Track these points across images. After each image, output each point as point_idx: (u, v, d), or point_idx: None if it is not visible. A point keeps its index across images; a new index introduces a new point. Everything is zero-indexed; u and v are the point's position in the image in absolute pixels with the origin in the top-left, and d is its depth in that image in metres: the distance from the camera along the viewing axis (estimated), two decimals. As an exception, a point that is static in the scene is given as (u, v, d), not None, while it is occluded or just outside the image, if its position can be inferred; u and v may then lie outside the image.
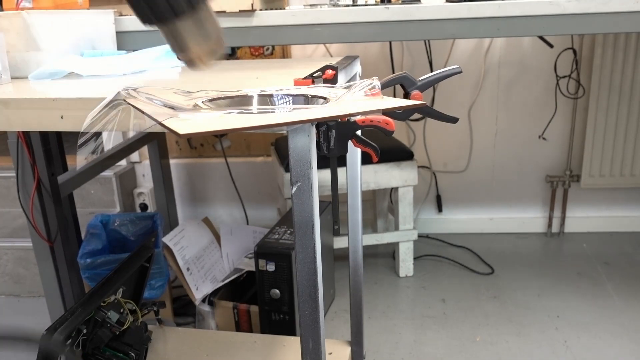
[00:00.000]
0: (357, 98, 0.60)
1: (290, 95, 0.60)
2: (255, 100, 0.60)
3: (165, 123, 0.48)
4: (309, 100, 0.61)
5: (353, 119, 0.68)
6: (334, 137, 0.66)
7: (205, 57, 0.65)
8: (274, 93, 0.60)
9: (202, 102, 0.58)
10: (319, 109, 0.56)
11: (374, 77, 0.64)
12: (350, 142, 0.69)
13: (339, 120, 0.67)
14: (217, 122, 0.50)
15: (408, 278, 1.99)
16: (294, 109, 0.56)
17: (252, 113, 0.56)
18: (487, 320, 1.70)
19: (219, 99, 0.59)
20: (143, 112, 0.52)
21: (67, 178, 1.44)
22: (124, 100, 0.58)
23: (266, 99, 0.60)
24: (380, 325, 1.71)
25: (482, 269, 2.03)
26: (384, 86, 0.63)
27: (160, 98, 0.57)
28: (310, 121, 0.56)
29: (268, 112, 0.56)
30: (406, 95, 0.66)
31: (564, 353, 1.53)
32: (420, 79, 0.65)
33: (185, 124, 0.49)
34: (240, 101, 0.60)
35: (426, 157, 2.27)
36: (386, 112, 0.66)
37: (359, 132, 0.70)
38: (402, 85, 0.65)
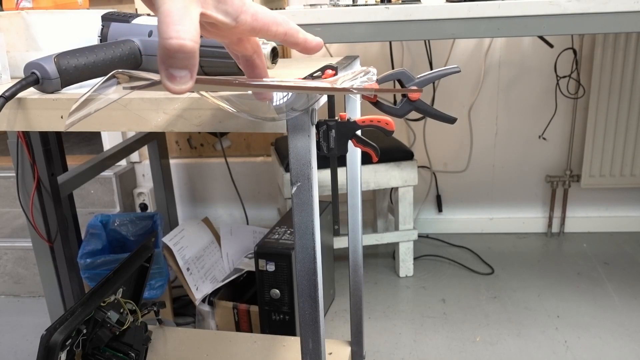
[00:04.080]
0: (355, 83, 0.61)
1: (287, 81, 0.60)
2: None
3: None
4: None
5: (353, 118, 0.68)
6: (334, 137, 0.66)
7: None
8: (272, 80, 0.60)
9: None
10: (314, 82, 0.57)
11: (371, 67, 0.64)
12: (350, 142, 0.69)
13: (339, 119, 0.67)
14: (212, 79, 0.51)
15: (408, 278, 1.99)
16: (289, 82, 0.57)
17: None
18: (487, 320, 1.70)
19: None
20: (141, 77, 0.51)
21: (67, 178, 1.44)
22: (118, 75, 0.57)
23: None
24: (380, 325, 1.71)
25: (482, 269, 2.03)
26: (381, 81, 0.63)
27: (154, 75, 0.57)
28: (305, 89, 0.56)
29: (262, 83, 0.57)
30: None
31: (564, 353, 1.53)
32: (418, 76, 0.65)
33: None
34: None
35: (426, 157, 2.27)
36: (384, 109, 0.66)
37: (359, 132, 0.70)
38: (400, 81, 0.65)
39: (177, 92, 0.40)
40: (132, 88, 0.51)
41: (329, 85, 0.57)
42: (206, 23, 0.47)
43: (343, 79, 0.61)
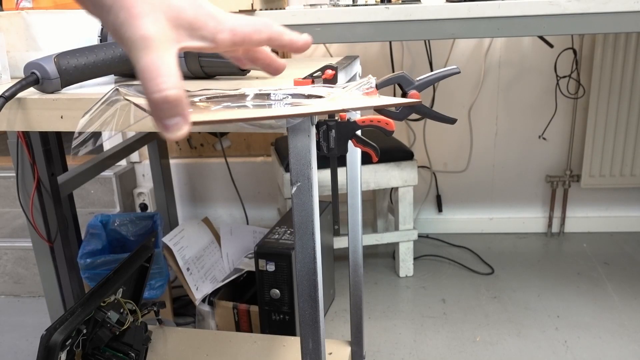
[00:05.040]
0: (353, 96, 0.60)
1: (288, 94, 0.60)
2: (251, 98, 0.60)
3: None
4: (307, 99, 0.61)
5: (353, 118, 0.68)
6: (334, 137, 0.66)
7: None
8: (272, 92, 0.60)
9: (199, 100, 0.58)
10: (311, 104, 0.57)
11: (370, 76, 0.64)
12: (350, 142, 0.69)
13: (339, 119, 0.67)
14: (208, 114, 0.50)
15: (408, 278, 1.99)
16: (286, 104, 0.57)
17: (246, 107, 0.56)
18: (487, 320, 1.70)
19: (216, 97, 0.59)
20: (137, 105, 0.52)
21: (67, 178, 1.44)
22: (124, 98, 0.57)
23: (263, 97, 0.60)
24: (380, 325, 1.71)
25: (482, 269, 2.03)
26: (380, 85, 0.63)
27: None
28: (300, 115, 0.56)
29: (262, 107, 0.56)
30: (404, 95, 0.66)
31: (564, 353, 1.53)
32: (418, 79, 0.65)
33: None
34: (238, 99, 0.60)
35: (426, 157, 2.27)
36: (384, 112, 0.66)
37: (359, 132, 0.70)
38: (400, 85, 0.65)
39: (176, 139, 0.41)
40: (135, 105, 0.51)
41: (329, 108, 0.56)
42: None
43: (345, 89, 0.61)
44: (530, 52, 2.10)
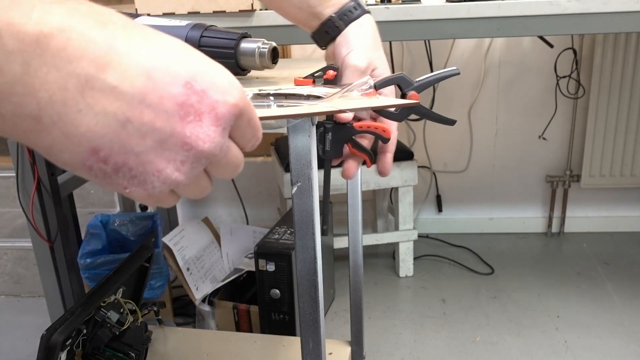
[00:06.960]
0: (352, 97, 0.60)
1: (288, 94, 0.60)
2: (251, 98, 0.60)
3: None
4: (306, 99, 0.61)
5: (350, 123, 0.68)
6: (330, 140, 0.66)
7: None
8: (271, 92, 0.60)
9: None
10: (311, 105, 0.57)
11: (369, 76, 0.64)
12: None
13: (336, 123, 0.67)
14: None
15: (408, 278, 1.99)
16: (282, 105, 0.57)
17: None
18: (487, 320, 1.70)
19: None
20: None
21: (67, 178, 1.44)
22: None
23: (263, 97, 0.60)
24: (380, 325, 1.71)
25: (482, 269, 2.03)
26: (379, 86, 0.63)
27: None
28: (300, 116, 0.56)
29: (262, 107, 0.56)
30: (403, 96, 0.65)
31: (564, 353, 1.53)
32: (417, 80, 0.65)
33: None
34: None
35: (426, 157, 2.27)
36: (383, 112, 0.66)
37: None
38: (399, 86, 0.65)
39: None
40: None
41: (329, 109, 0.56)
42: None
43: (343, 91, 0.61)
44: (530, 52, 2.10)
